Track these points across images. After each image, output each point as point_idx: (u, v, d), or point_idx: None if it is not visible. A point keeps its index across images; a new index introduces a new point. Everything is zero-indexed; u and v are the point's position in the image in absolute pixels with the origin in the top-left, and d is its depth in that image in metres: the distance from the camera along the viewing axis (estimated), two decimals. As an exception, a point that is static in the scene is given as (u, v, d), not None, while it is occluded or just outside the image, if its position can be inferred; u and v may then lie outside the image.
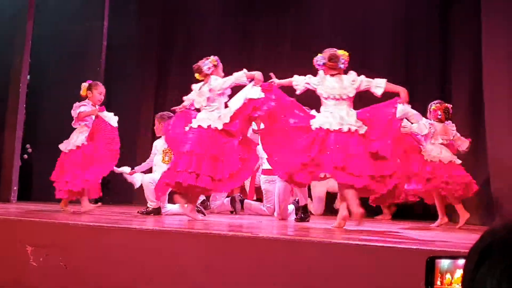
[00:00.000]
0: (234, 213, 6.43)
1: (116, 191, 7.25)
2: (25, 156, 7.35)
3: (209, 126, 4.76)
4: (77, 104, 5.44)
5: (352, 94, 4.41)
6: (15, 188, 6.37)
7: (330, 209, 7.18)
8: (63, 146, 5.44)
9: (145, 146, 7.54)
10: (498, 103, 5.64)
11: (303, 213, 5.44)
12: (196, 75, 5.13)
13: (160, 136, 5.87)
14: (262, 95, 4.63)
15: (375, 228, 4.88)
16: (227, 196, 6.71)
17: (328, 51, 4.57)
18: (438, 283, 1.19)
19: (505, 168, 5.50)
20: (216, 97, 4.91)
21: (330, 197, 7.24)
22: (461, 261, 1.16)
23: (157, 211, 5.47)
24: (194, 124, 4.84)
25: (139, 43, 8.18)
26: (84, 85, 5.59)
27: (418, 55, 7.76)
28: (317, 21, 8.19)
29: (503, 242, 0.93)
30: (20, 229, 3.80)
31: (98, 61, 7.36)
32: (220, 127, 4.74)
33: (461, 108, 6.81)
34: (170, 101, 7.62)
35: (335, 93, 4.41)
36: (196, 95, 5.04)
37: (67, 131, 7.29)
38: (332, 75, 4.50)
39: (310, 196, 7.12)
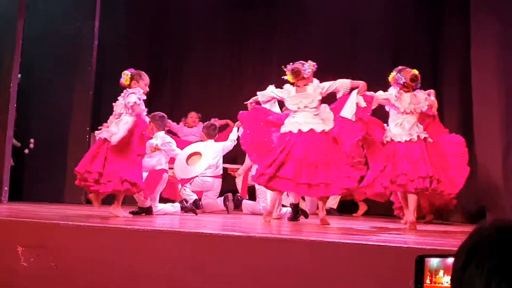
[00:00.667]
0: (227, 212, 6.43)
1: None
2: (26, 150, 7.31)
3: (323, 131, 4.80)
4: (130, 91, 4.95)
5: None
6: (6, 188, 6.33)
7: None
8: (107, 135, 4.85)
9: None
10: (486, 102, 5.69)
11: (295, 212, 5.44)
12: (289, 77, 5.00)
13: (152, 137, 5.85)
14: (365, 104, 4.89)
15: (365, 226, 4.91)
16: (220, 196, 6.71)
17: (407, 71, 5.07)
18: (428, 281, 1.20)
19: (493, 167, 5.55)
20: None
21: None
22: (450, 260, 1.17)
23: (148, 211, 5.43)
24: (305, 127, 4.79)
25: (130, 42, 8.16)
26: (127, 73, 5.09)
27: (407, 54, 7.77)
28: (308, 20, 8.20)
29: (491, 240, 0.94)
30: (10, 230, 3.78)
31: (89, 61, 7.33)
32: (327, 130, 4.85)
33: (451, 108, 6.86)
34: (162, 101, 7.63)
35: (411, 108, 5.01)
36: (296, 96, 4.94)
37: (58, 131, 7.32)
38: (406, 91, 5.07)
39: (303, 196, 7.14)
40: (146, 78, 5.11)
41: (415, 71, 5.08)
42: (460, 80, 6.61)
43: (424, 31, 7.66)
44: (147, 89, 5.10)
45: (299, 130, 4.76)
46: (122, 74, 5.08)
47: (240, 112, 5.26)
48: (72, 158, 7.25)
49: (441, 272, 1.20)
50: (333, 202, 7.14)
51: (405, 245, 3.04)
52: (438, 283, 1.20)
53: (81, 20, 7.42)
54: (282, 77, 5.04)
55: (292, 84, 5.03)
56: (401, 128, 4.97)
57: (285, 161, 4.70)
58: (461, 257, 0.97)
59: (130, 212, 5.45)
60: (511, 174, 5.33)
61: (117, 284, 3.39)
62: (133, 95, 4.92)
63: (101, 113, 6.87)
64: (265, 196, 6.17)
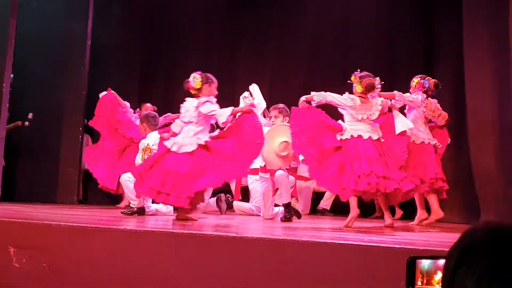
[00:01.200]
0: (219, 213, 6.42)
1: (100, 191, 7.21)
2: (26, 123, 7.28)
3: (379, 138, 4.87)
4: (204, 99, 4.82)
5: None
6: (-2, 188, 6.30)
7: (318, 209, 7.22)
8: (175, 147, 4.78)
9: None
10: (480, 102, 5.71)
11: (287, 212, 5.44)
12: (358, 87, 4.91)
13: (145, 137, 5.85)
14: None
15: (358, 226, 4.91)
16: (212, 196, 6.70)
17: (432, 80, 5.43)
18: (419, 283, 1.20)
19: (487, 167, 5.57)
20: None
21: (317, 197, 7.28)
22: (442, 261, 1.17)
23: (141, 211, 5.42)
24: (365, 135, 4.80)
25: (123, 43, 8.13)
26: (197, 76, 4.90)
27: (401, 55, 7.80)
28: (301, 21, 8.23)
29: (482, 242, 0.94)
30: (2, 230, 3.76)
31: (82, 61, 7.31)
32: None
33: (444, 109, 6.87)
34: (155, 100, 7.61)
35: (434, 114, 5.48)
36: (362, 106, 4.90)
37: (50, 131, 7.29)
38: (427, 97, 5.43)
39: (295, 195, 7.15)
40: (216, 82, 4.98)
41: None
42: (453, 80, 6.63)
43: (418, 32, 7.69)
44: (216, 92, 4.98)
45: (359, 136, 4.81)
46: (192, 77, 4.90)
47: (293, 107, 5.12)
48: (65, 159, 7.24)
49: (439, 274, 1.20)
50: (326, 202, 7.16)
51: (398, 246, 3.05)
52: (434, 285, 1.21)
53: (74, 20, 7.40)
54: (348, 81, 5.02)
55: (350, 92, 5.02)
56: (426, 132, 5.38)
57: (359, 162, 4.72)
58: (453, 258, 0.97)
59: (122, 212, 5.44)
60: (505, 174, 5.35)
61: (109, 285, 3.38)
62: (210, 104, 4.82)
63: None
64: (257, 197, 6.17)
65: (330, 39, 8.03)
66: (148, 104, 7.37)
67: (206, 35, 8.54)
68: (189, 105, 4.94)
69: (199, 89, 4.88)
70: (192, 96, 5.02)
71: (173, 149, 4.75)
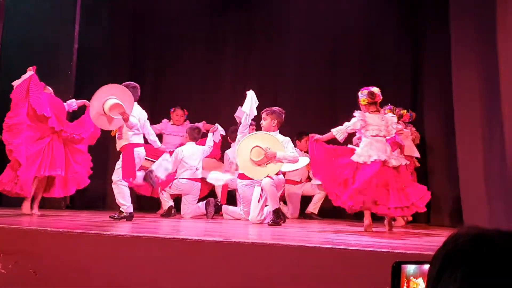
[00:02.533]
0: (207, 217, 6.41)
1: (88, 195, 7.16)
2: None
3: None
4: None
5: None
6: (-17, 193, 6.23)
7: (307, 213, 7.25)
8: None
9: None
10: (467, 109, 5.75)
11: (276, 217, 5.45)
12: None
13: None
14: None
15: (345, 231, 4.93)
16: (200, 200, 6.69)
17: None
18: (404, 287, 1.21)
19: (474, 172, 5.61)
20: None
21: (305, 201, 7.30)
22: (427, 266, 1.18)
23: (130, 217, 5.37)
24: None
25: (111, 47, 8.10)
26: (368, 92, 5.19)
27: (388, 64, 7.87)
28: (286, 22, 8.30)
29: (465, 248, 0.95)
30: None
31: (69, 65, 7.28)
32: None
33: (432, 117, 6.96)
34: (143, 103, 7.58)
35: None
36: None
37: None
38: None
39: (284, 200, 7.16)
40: None
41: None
42: (441, 88, 6.71)
43: (405, 41, 7.80)
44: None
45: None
46: (360, 94, 5.12)
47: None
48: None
49: (420, 280, 1.21)
50: (314, 206, 7.18)
51: (385, 250, 3.06)
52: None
53: (61, 24, 7.36)
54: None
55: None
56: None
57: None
58: (436, 264, 0.97)
59: (110, 217, 5.40)
60: (492, 179, 5.39)
61: (96, 291, 3.36)
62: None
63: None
64: (246, 201, 6.16)
65: (316, 44, 8.10)
66: (179, 110, 7.51)
67: (193, 37, 8.56)
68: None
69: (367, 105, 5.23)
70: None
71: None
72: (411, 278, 1.21)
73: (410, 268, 1.21)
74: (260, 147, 5.61)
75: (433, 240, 4.37)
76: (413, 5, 7.74)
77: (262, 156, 5.61)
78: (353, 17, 8.01)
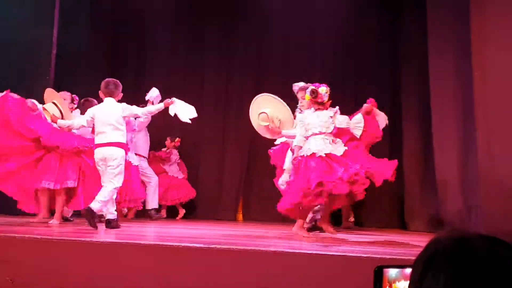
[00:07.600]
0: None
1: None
2: None
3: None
4: None
5: None
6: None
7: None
8: None
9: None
10: (445, 114, 5.83)
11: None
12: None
13: None
14: None
15: (326, 236, 4.94)
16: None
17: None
18: (386, 291, 1.21)
19: (451, 177, 5.68)
20: None
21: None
22: (408, 270, 1.19)
23: (115, 224, 5.23)
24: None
25: (90, 52, 8.05)
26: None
27: (369, 71, 7.94)
28: (268, 25, 8.34)
29: (446, 252, 0.95)
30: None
31: (47, 70, 7.19)
32: None
33: (411, 121, 7.02)
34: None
35: None
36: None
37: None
38: None
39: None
40: None
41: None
42: (419, 94, 6.78)
43: (385, 49, 7.87)
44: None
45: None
46: (307, 90, 5.02)
47: None
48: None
49: (402, 283, 1.22)
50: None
51: (365, 255, 3.07)
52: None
53: (40, 28, 7.28)
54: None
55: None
56: None
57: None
58: (418, 267, 0.98)
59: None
60: (469, 184, 5.46)
61: (75, 298, 3.31)
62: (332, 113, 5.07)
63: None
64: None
65: (296, 53, 8.15)
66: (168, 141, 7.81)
67: (173, 43, 8.55)
68: None
69: None
70: None
71: None
72: (393, 282, 1.21)
73: (392, 272, 1.22)
74: (266, 113, 5.62)
75: (413, 245, 4.40)
76: (391, 19, 7.82)
77: (267, 123, 5.64)
78: (335, 25, 8.06)
